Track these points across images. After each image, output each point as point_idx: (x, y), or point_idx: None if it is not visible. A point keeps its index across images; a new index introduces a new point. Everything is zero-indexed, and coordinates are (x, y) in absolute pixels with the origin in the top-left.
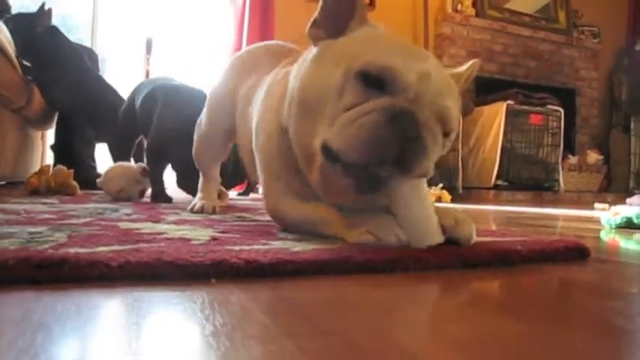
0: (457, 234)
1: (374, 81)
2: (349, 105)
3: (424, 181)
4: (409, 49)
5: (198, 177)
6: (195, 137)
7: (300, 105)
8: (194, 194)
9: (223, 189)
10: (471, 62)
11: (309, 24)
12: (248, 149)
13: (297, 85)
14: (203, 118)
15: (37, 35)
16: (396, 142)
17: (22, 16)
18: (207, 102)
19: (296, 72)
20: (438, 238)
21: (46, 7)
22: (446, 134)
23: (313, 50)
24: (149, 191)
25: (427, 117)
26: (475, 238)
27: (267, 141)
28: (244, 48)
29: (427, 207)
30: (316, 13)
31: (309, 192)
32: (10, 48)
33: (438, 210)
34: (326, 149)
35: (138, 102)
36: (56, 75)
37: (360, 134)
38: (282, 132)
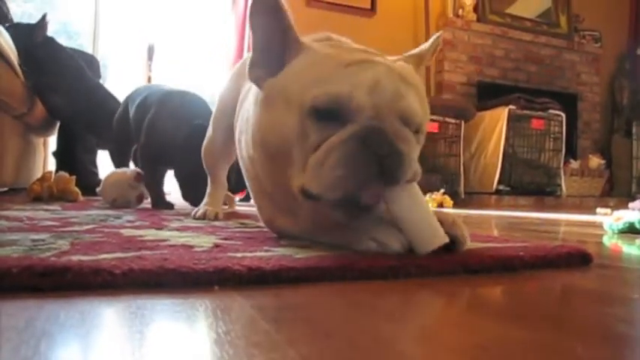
0: (454, 232)
1: (328, 114)
2: (315, 145)
3: (416, 185)
4: (351, 61)
5: (201, 186)
6: (204, 141)
7: (264, 152)
8: (197, 204)
9: (230, 194)
10: (434, 36)
11: (248, 68)
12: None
13: (254, 131)
14: (211, 122)
15: (37, 44)
16: (372, 165)
17: (22, 26)
18: (215, 106)
19: (249, 112)
20: (442, 238)
21: (50, 18)
22: (416, 131)
23: (260, 94)
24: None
25: (392, 124)
26: (469, 243)
27: (248, 162)
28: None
29: (426, 209)
30: (251, 54)
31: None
32: (13, 55)
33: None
34: (305, 193)
35: (132, 109)
36: (55, 83)
37: (335, 172)
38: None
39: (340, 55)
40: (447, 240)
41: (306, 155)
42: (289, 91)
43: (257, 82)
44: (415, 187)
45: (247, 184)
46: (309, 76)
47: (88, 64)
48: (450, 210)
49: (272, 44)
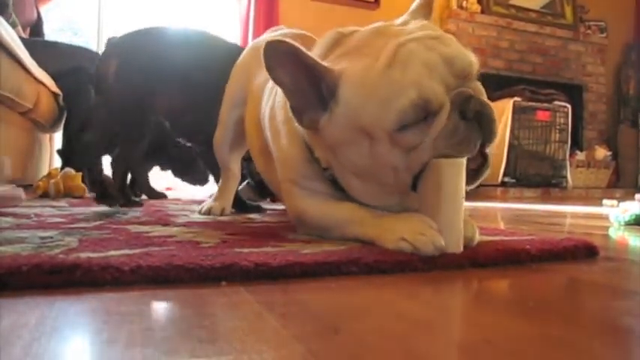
0: (464, 232)
1: (417, 120)
2: (410, 146)
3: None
4: (388, 59)
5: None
6: (216, 132)
7: (363, 180)
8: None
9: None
10: None
11: (292, 116)
12: (257, 147)
13: (347, 178)
14: (221, 114)
15: None
16: (474, 129)
17: None
18: (224, 99)
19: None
20: (455, 249)
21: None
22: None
23: (324, 137)
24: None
25: (468, 83)
26: (478, 239)
27: (290, 147)
28: (262, 36)
29: (458, 210)
30: (287, 104)
31: (340, 193)
32: (20, 51)
33: None
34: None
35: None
36: None
37: (451, 151)
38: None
39: (375, 60)
40: (459, 250)
41: (407, 155)
42: (365, 124)
43: (313, 126)
44: (463, 191)
45: (280, 166)
46: (372, 101)
47: (92, 61)
48: None
49: (304, 83)
